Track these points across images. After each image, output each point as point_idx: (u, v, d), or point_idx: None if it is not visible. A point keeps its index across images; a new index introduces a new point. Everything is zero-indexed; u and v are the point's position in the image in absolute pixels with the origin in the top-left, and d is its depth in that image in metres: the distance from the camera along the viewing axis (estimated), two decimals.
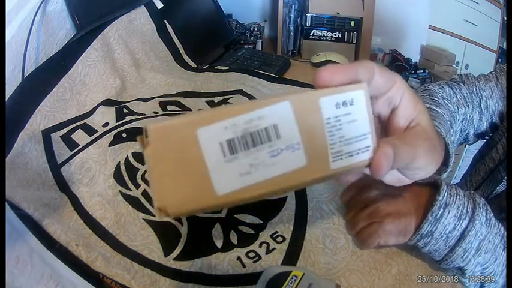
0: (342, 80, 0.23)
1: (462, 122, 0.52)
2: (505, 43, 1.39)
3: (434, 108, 0.45)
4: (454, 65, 1.41)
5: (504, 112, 0.52)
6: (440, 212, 0.36)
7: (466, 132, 0.53)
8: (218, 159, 0.20)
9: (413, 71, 1.36)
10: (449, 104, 0.49)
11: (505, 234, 0.37)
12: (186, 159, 0.20)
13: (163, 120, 0.20)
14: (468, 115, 0.52)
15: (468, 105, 0.52)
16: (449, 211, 0.36)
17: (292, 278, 0.33)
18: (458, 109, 0.51)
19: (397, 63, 1.37)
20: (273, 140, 0.21)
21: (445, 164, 0.34)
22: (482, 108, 0.52)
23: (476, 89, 0.53)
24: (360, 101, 0.23)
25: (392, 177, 0.32)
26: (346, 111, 0.22)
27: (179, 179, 0.20)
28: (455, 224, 0.36)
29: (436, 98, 0.48)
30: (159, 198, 0.20)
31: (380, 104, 0.28)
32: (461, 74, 0.56)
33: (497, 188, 0.50)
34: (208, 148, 0.20)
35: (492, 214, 0.37)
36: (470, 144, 0.57)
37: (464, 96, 0.52)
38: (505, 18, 1.39)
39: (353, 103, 0.23)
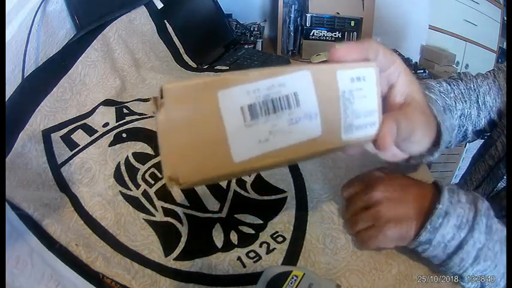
0: (355, 57, 0.25)
1: (460, 117, 0.52)
2: (505, 43, 1.39)
3: (428, 93, 0.46)
4: (454, 65, 1.41)
5: (502, 109, 0.52)
6: (439, 222, 0.35)
7: (465, 128, 0.53)
8: (238, 124, 0.19)
9: (413, 71, 1.36)
10: (445, 98, 0.50)
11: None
12: (203, 123, 0.18)
13: (181, 81, 0.18)
14: (466, 110, 0.52)
15: (466, 101, 0.52)
16: (448, 220, 0.35)
17: (292, 278, 0.33)
18: (456, 104, 0.51)
19: None
20: (293, 107, 0.20)
21: (437, 143, 0.37)
22: (480, 104, 0.53)
23: (473, 85, 0.54)
24: (370, 78, 0.24)
25: (388, 153, 0.35)
26: (359, 87, 0.23)
27: (193, 145, 0.18)
28: (454, 234, 0.35)
29: (432, 89, 0.49)
30: (171, 166, 0.18)
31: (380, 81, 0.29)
32: (459, 72, 0.57)
33: (498, 184, 0.50)
34: (228, 112, 0.19)
35: (495, 220, 0.36)
36: (469, 142, 0.57)
37: (461, 92, 0.53)
38: (505, 18, 1.39)
39: (365, 79, 0.23)
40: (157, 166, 0.49)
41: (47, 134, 0.53)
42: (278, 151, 0.20)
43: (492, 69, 0.55)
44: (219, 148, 0.19)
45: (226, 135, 0.19)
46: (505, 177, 0.49)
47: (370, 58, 0.26)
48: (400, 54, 1.39)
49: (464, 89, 0.53)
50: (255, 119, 0.19)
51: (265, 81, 0.19)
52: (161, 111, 0.18)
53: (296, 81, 0.20)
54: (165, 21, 0.81)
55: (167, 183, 0.19)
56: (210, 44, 0.90)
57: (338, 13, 1.04)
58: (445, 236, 0.35)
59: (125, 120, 0.56)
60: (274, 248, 0.41)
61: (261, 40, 1.09)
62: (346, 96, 0.23)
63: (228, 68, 0.80)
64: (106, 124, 0.56)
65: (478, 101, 0.53)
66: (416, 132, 0.32)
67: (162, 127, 0.18)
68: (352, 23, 1.03)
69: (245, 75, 0.19)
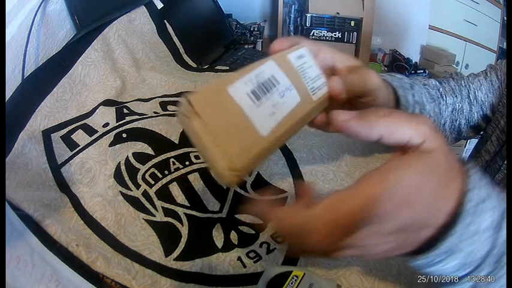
0: (287, 46, 0.33)
1: (452, 112, 0.54)
2: (505, 43, 1.39)
3: (394, 75, 0.48)
4: (454, 65, 1.41)
5: (494, 103, 0.53)
6: (438, 259, 0.27)
7: (458, 122, 0.54)
8: (251, 106, 0.24)
9: (413, 71, 1.36)
10: (429, 89, 0.52)
11: None
12: (228, 114, 0.23)
13: (197, 90, 0.22)
14: (457, 105, 0.54)
15: (456, 96, 0.54)
16: (453, 259, 0.26)
17: (293, 278, 0.33)
18: (446, 97, 0.53)
19: (397, 63, 1.37)
20: (276, 85, 0.27)
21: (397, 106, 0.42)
22: (471, 99, 0.54)
23: (464, 82, 0.55)
24: (307, 54, 0.32)
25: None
26: (304, 61, 0.31)
27: (230, 134, 0.23)
28: (454, 271, 0.27)
29: (412, 78, 0.52)
30: (224, 158, 0.22)
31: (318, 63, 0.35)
32: (451, 73, 0.59)
33: (496, 176, 0.51)
34: (241, 100, 0.24)
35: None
36: (465, 139, 0.58)
37: (452, 88, 0.54)
38: (505, 18, 1.39)
39: (304, 56, 0.32)
40: (158, 166, 0.49)
41: (47, 134, 0.53)
42: (284, 119, 0.27)
43: (484, 69, 0.57)
44: (248, 129, 0.24)
45: (248, 117, 0.24)
46: (502, 168, 0.50)
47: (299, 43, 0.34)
48: (400, 54, 1.39)
49: (454, 85, 0.55)
50: (260, 99, 0.25)
51: (252, 72, 0.26)
52: (195, 117, 0.22)
53: (268, 69, 0.27)
54: (165, 21, 0.81)
55: (227, 179, 0.22)
56: (210, 44, 0.90)
57: (338, 13, 1.04)
58: (442, 272, 0.28)
59: (125, 121, 0.56)
60: (275, 248, 0.41)
61: (261, 40, 1.09)
62: (301, 69, 0.30)
63: (228, 68, 0.80)
64: (106, 124, 0.56)
65: (469, 96, 0.54)
66: (371, 80, 0.36)
67: (202, 130, 0.22)
68: (352, 23, 1.04)
69: (237, 73, 0.25)
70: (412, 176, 0.24)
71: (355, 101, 0.36)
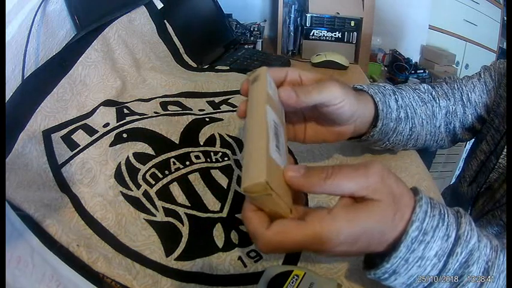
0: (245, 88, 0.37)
1: (446, 115, 0.54)
2: (505, 43, 1.40)
3: (377, 83, 0.50)
4: (454, 65, 1.41)
5: (489, 104, 0.54)
6: (384, 277, 0.30)
7: (453, 125, 0.55)
8: (280, 159, 0.29)
9: (413, 71, 1.36)
10: (420, 93, 0.53)
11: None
12: (280, 177, 0.29)
13: (260, 168, 0.26)
14: (451, 107, 0.54)
15: (449, 99, 0.54)
16: (395, 279, 0.30)
17: (293, 277, 0.33)
18: (439, 101, 0.53)
19: (397, 63, 1.37)
20: (278, 128, 0.32)
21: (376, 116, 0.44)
22: (465, 101, 0.54)
23: (457, 85, 0.55)
24: (268, 76, 0.36)
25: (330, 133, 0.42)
26: (272, 87, 0.36)
27: (285, 191, 0.29)
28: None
29: (398, 85, 0.53)
30: (288, 207, 0.28)
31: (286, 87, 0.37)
32: (445, 77, 0.60)
33: (491, 175, 0.52)
34: (277, 158, 0.29)
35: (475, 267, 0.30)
36: (462, 141, 0.59)
37: (445, 92, 0.55)
38: (505, 18, 1.39)
39: (271, 81, 0.36)
40: (158, 166, 0.49)
41: (47, 135, 0.53)
42: (285, 148, 0.32)
43: (478, 71, 0.57)
44: (282, 175, 0.29)
45: (282, 168, 0.29)
46: (495, 167, 0.51)
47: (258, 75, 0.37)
48: (400, 54, 1.39)
49: (447, 89, 0.55)
50: (278, 147, 0.30)
51: (269, 129, 0.30)
52: (273, 193, 0.26)
53: (271, 116, 0.32)
54: (165, 21, 0.81)
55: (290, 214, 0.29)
56: (210, 44, 0.90)
57: (338, 13, 1.04)
58: (395, 285, 0.31)
59: (125, 121, 0.56)
60: None
61: (261, 40, 1.09)
62: (274, 96, 0.35)
63: (228, 67, 0.80)
64: (106, 124, 0.56)
65: (462, 99, 0.54)
66: (330, 88, 0.37)
67: (279, 199, 0.27)
68: (352, 23, 1.03)
69: (260, 132, 0.30)
70: (359, 227, 0.27)
71: (321, 108, 0.38)
